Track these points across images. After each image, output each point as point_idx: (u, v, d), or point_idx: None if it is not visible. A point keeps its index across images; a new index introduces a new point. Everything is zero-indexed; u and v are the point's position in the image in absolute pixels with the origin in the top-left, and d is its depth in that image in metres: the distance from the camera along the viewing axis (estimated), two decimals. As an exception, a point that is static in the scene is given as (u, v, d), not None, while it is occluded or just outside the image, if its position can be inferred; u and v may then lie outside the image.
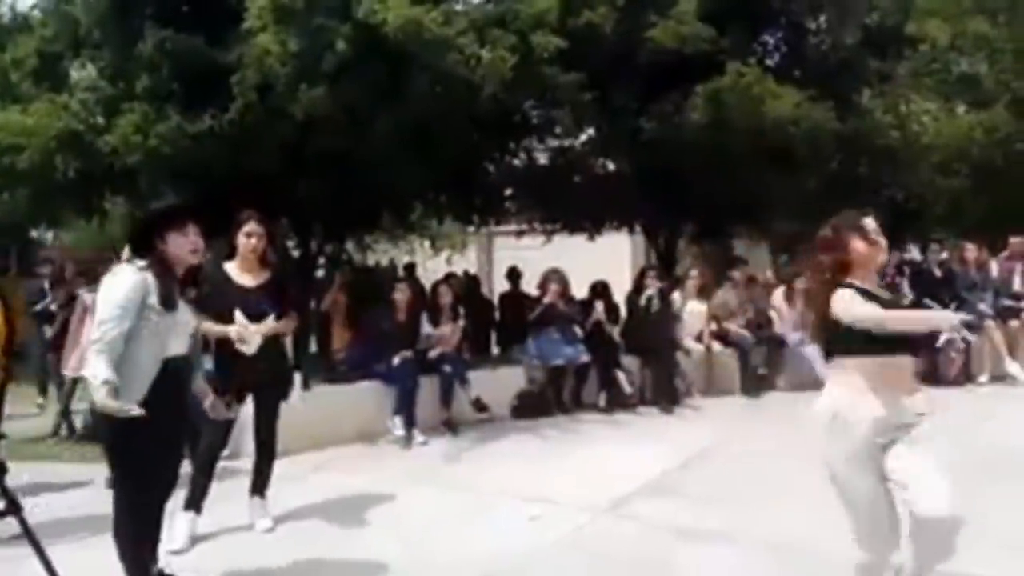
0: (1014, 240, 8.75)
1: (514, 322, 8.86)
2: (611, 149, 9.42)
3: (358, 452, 5.80)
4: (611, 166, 9.95)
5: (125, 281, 2.86)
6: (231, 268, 4.03)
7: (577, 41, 7.23)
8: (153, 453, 2.86)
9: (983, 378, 8.01)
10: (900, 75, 9.84)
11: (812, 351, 7.67)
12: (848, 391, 2.62)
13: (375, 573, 3.60)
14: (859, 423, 2.57)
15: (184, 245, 2.98)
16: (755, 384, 7.67)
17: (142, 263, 2.91)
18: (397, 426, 6.00)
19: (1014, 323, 8.35)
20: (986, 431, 5.80)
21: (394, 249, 17.15)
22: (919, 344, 2.70)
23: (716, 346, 7.84)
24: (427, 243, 18.97)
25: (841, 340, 2.65)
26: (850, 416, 2.59)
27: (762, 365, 7.77)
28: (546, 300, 7.34)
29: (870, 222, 2.74)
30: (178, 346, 2.98)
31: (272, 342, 4.05)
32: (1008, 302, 8.50)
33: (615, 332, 7.55)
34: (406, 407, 6.05)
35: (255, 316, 3.93)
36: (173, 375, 2.94)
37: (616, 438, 6.31)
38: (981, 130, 10.22)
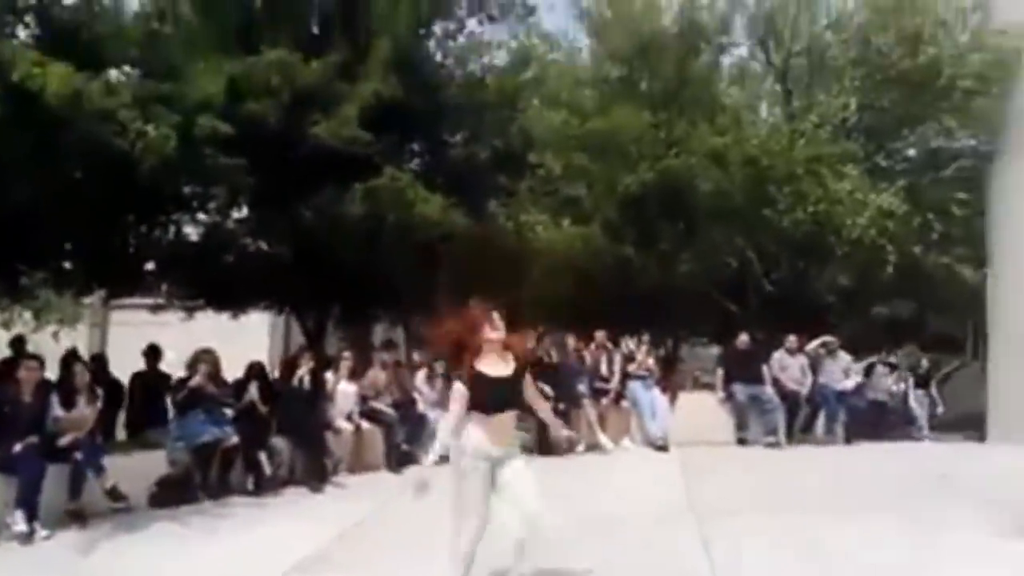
0: (598, 333, 10.67)
1: (150, 404, 8.36)
2: (267, 231, 9.58)
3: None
4: (265, 247, 10.06)
5: None
6: None
7: (241, 126, 7.41)
8: None
9: (580, 447, 9.46)
10: (522, 191, 11.62)
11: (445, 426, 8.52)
12: (472, 431, 3.97)
13: None
14: (472, 448, 3.95)
15: None
16: (399, 459, 8.19)
17: None
18: (18, 520, 5.34)
19: (604, 401, 10.10)
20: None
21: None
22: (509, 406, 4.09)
23: (365, 424, 8.25)
24: (28, 314, 16.68)
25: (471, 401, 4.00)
26: (467, 443, 3.95)
27: (405, 441, 8.34)
28: (194, 382, 7.13)
29: (496, 314, 4.01)
30: None
31: None
32: (599, 384, 10.26)
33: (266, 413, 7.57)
34: (30, 498, 5.42)
35: None
36: None
37: (268, 519, 6.26)
38: (581, 242, 12.35)
